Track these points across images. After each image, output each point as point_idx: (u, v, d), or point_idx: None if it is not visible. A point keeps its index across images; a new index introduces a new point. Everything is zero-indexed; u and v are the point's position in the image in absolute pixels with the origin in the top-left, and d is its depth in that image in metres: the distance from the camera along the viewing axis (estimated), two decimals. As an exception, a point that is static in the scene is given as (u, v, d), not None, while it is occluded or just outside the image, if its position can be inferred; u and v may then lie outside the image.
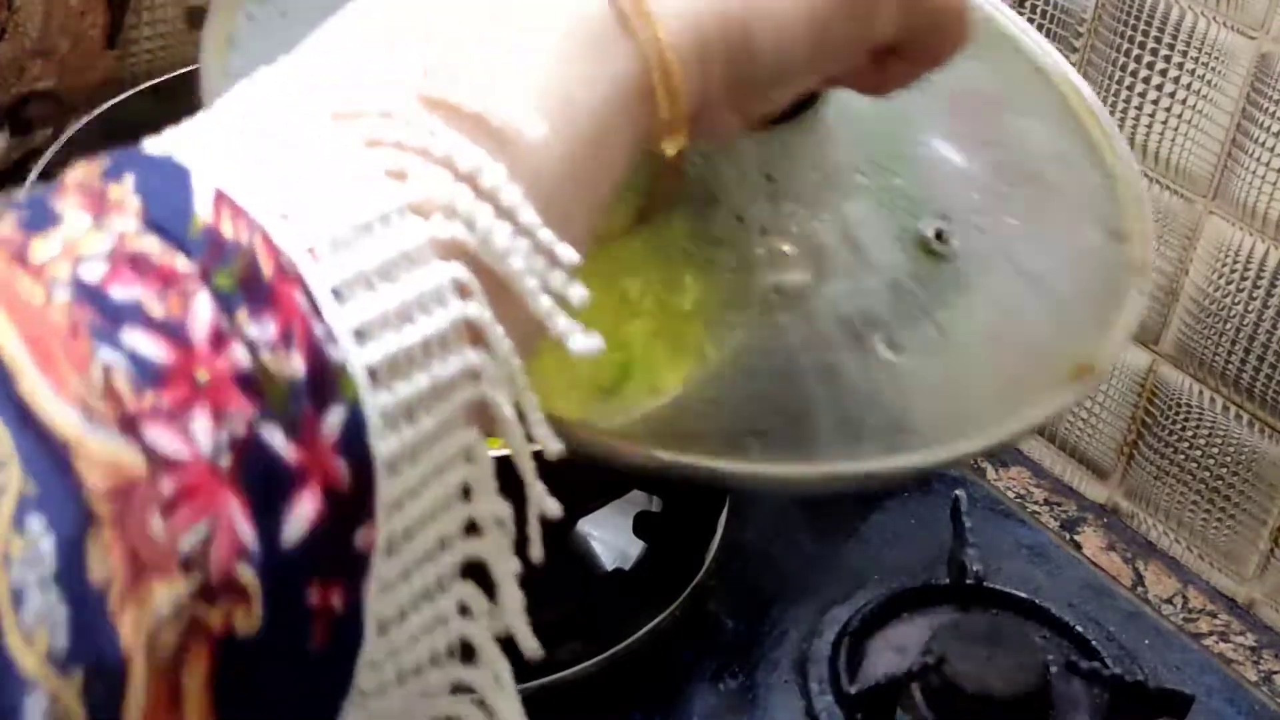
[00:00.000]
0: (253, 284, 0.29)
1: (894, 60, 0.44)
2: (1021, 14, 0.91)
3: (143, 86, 0.87)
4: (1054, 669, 0.79)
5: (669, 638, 0.82)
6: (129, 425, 0.27)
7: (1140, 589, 0.92)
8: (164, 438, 0.27)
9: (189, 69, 0.89)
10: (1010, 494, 0.97)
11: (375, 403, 0.30)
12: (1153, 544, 0.95)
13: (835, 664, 0.80)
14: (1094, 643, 0.82)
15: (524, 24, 0.35)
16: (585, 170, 0.35)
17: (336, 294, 0.30)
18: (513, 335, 0.33)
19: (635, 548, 0.86)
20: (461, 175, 0.32)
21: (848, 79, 0.45)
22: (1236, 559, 0.91)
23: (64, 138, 0.82)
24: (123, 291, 0.28)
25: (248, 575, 0.28)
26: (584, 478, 0.75)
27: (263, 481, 0.28)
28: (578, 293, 0.34)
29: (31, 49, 0.88)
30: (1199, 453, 0.90)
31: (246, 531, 0.28)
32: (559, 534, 0.86)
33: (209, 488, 0.28)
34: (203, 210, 0.29)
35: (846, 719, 0.78)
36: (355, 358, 0.30)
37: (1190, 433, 0.91)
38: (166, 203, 0.29)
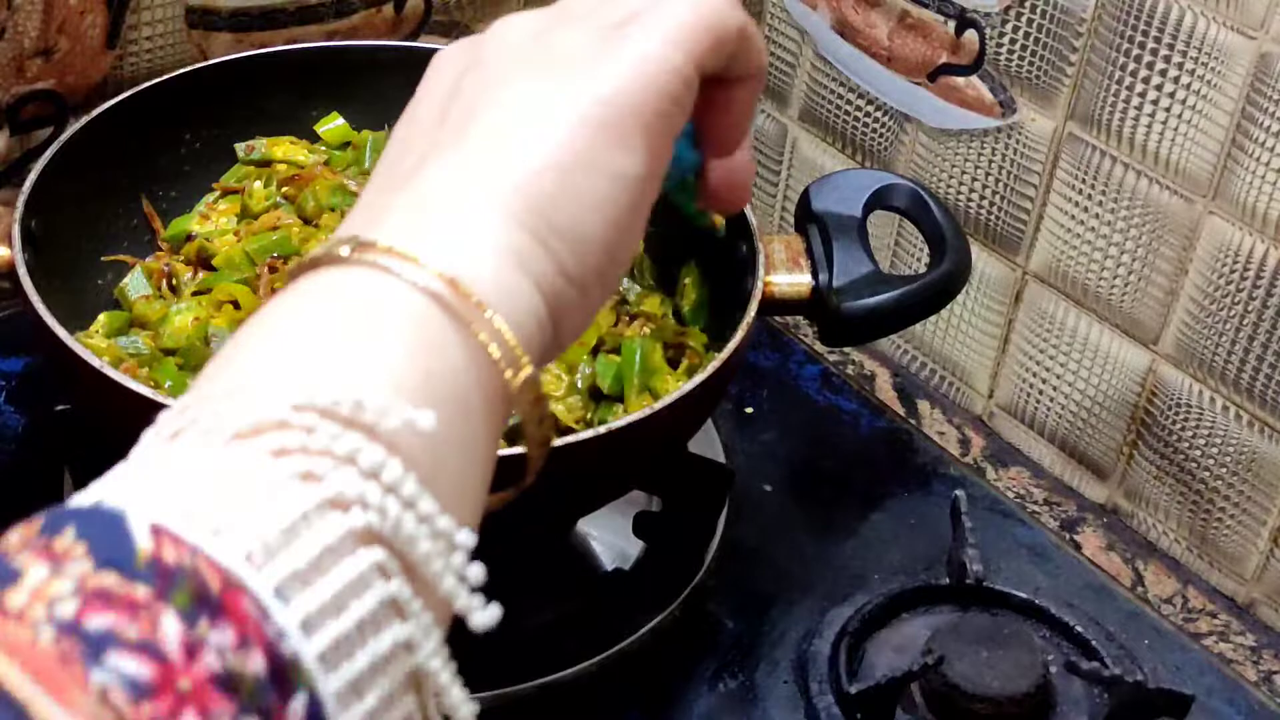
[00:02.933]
0: (205, 598, 0.33)
1: (731, 88, 0.49)
2: (1021, 14, 0.91)
3: (143, 86, 0.87)
4: (1054, 669, 0.79)
5: (669, 638, 0.82)
6: None
7: (1140, 589, 0.92)
8: None
9: (189, 69, 0.89)
10: (1010, 494, 0.97)
11: (328, 687, 0.34)
12: (1153, 544, 0.95)
13: (835, 664, 0.80)
14: (1094, 643, 0.82)
15: (362, 324, 0.40)
16: (464, 447, 0.40)
17: (278, 593, 0.34)
18: (431, 609, 0.38)
19: (635, 548, 0.86)
20: (367, 472, 0.37)
21: (705, 132, 0.51)
22: (1236, 559, 0.91)
23: (64, 138, 0.82)
24: (97, 621, 0.31)
25: None
26: (584, 478, 0.75)
27: None
28: (476, 573, 0.39)
29: (31, 49, 0.88)
30: (1199, 453, 0.90)
31: None
32: (559, 534, 0.86)
33: None
34: (144, 543, 0.33)
35: (846, 719, 0.78)
36: (305, 648, 0.34)
37: (1190, 433, 0.91)
38: (110, 544, 0.33)
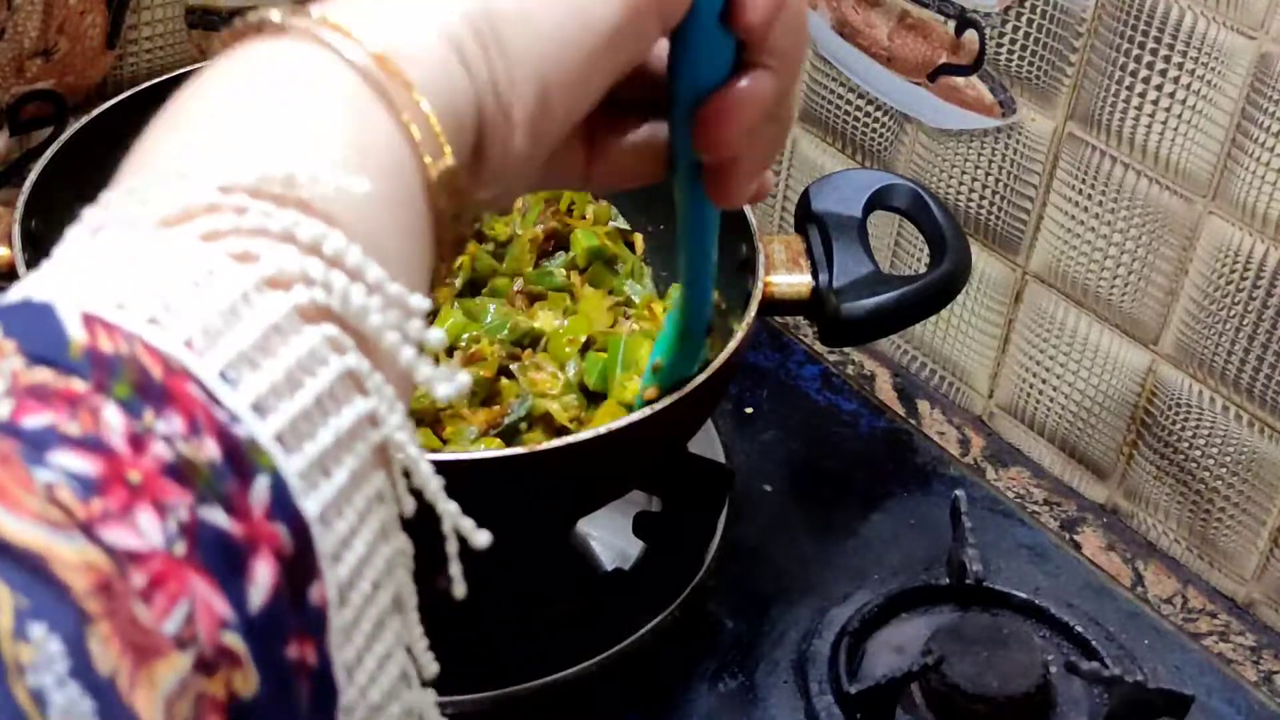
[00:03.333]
0: (148, 387, 0.31)
1: (760, 74, 0.48)
2: (1021, 14, 0.91)
3: (143, 86, 0.87)
4: (1054, 669, 0.79)
5: (668, 638, 0.82)
6: (87, 530, 0.29)
7: (1140, 589, 0.92)
8: (120, 536, 0.29)
9: (189, 69, 0.89)
10: (1010, 494, 0.97)
11: (291, 466, 0.33)
12: (1153, 544, 0.95)
13: (835, 664, 0.80)
14: (1094, 643, 0.82)
15: (291, 99, 0.38)
16: (405, 222, 0.38)
17: (225, 377, 0.32)
18: (389, 383, 0.36)
19: (635, 548, 0.86)
20: (305, 247, 0.35)
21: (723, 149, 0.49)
22: (1236, 559, 0.91)
23: (64, 138, 0.82)
24: (35, 420, 0.30)
25: (234, 641, 0.30)
26: (584, 478, 0.75)
27: (219, 557, 0.31)
28: (435, 336, 0.37)
29: (31, 49, 0.88)
30: (1199, 453, 0.90)
31: (220, 604, 0.30)
32: (559, 534, 0.86)
33: (175, 572, 0.30)
34: (76, 334, 0.31)
35: (846, 719, 0.78)
36: (260, 430, 0.32)
37: (1190, 433, 0.91)
38: (40, 337, 0.31)
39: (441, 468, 0.77)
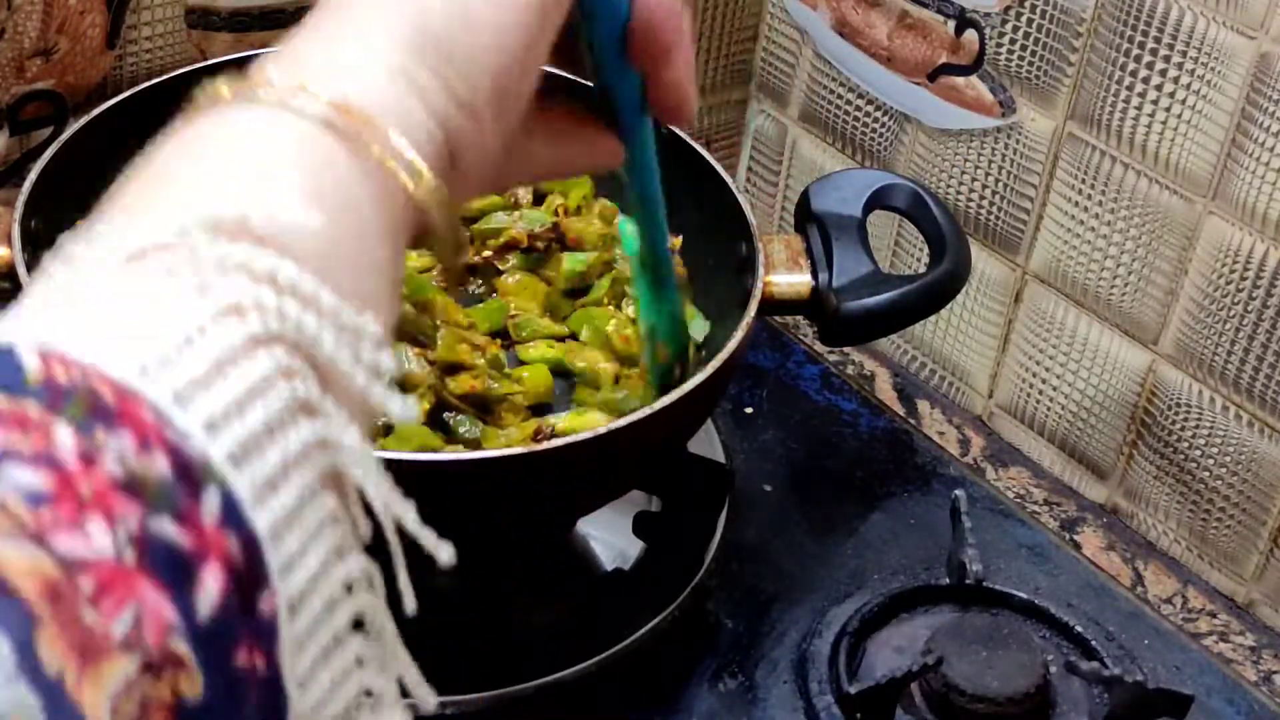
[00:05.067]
0: (99, 408, 0.32)
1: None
2: (1021, 14, 0.91)
3: (142, 86, 0.86)
4: (1054, 669, 0.79)
5: (668, 638, 0.82)
6: (37, 539, 0.30)
7: (1140, 589, 0.92)
8: (70, 543, 0.30)
9: (189, 69, 0.89)
10: (1010, 494, 0.97)
11: (240, 481, 0.34)
12: (1153, 544, 0.95)
13: (835, 664, 0.80)
14: (1094, 643, 0.82)
15: (246, 149, 0.40)
16: (361, 255, 0.40)
17: (177, 399, 0.34)
18: (348, 408, 0.37)
19: (635, 548, 0.86)
20: (260, 278, 0.36)
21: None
22: (1236, 559, 0.91)
23: (64, 138, 0.82)
24: None
25: (180, 645, 0.31)
26: (584, 478, 0.75)
27: (168, 566, 0.32)
28: (387, 361, 0.38)
29: (31, 49, 0.88)
30: (1199, 453, 0.90)
31: (167, 609, 0.31)
32: (559, 534, 0.86)
33: (123, 579, 0.31)
34: (32, 366, 0.32)
35: (846, 719, 0.78)
36: (212, 449, 0.34)
37: (1190, 433, 0.91)
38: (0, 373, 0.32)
39: (442, 467, 0.77)
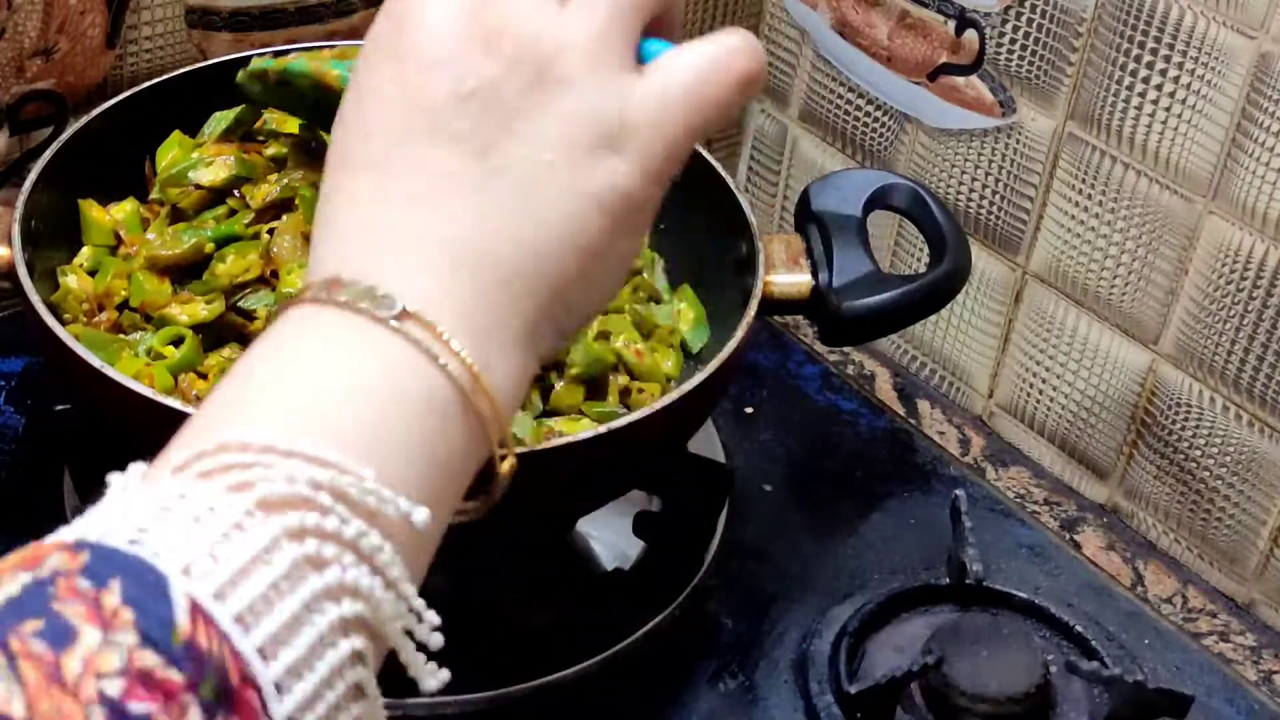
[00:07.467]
0: (226, 692, 0.37)
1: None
2: (1021, 14, 0.91)
3: (142, 86, 0.86)
4: (1054, 669, 0.79)
5: (669, 638, 0.82)
6: None
7: (1140, 589, 0.92)
8: None
9: (189, 69, 0.89)
10: (1010, 494, 0.97)
11: None
12: (1153, 544, 0.95)
13: (835, 664, 0.80)
14: (1094, 643, 0.82)
15: (384, 399, 0.45)
16: (444, 522, 0.46)
17: (278, 687, 0.39)
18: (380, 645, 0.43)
19: (635, 548, 0.86)
20: (362, 555, 0.42)
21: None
22: (1236, 559, 0.91)
23: (64, 138, 0.82)
24: (138, 707, 0.35)
25: None
26: (584, 478, 0.75)
27: None
28: (436, 641, 0.44)
29: (31, 49, 0.88)
30: (1199, 453, 0.90)
31: None
32: (559, 534, 0.86)
33: None
34: (182, 621, 0.37)
35: (846, 719, 0.78)
36: None
37: (1190, 433, 0.91)
38: (153, 615, 0.37)
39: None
